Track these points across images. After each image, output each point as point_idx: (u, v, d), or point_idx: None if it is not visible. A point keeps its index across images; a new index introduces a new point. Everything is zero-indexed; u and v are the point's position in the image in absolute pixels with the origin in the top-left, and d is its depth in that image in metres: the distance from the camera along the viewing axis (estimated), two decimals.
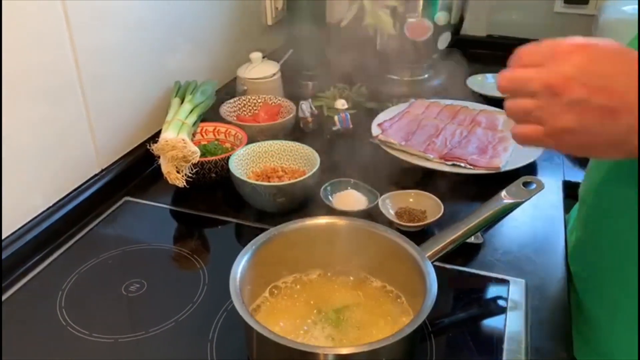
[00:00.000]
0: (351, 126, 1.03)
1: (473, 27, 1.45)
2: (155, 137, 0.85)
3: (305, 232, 0.63)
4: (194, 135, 0.87)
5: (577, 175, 0.93)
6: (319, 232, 0.63)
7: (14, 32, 0.67)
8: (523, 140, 0.51)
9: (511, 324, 0.62)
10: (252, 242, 0.60)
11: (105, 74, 0.84)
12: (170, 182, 0.78)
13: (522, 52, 0.50)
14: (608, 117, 0.45)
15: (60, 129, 0.77)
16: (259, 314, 0.60)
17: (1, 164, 0.66)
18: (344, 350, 0.50)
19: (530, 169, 0.92)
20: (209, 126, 0.95)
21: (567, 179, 0.91)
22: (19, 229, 0.73)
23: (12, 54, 0.67)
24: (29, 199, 0.74)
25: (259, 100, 1.06)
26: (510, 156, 0.93)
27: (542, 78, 0.47)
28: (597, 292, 0.68)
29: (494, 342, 0.60)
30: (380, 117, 1.06)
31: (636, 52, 0.46)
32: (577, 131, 0.47)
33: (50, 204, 0.78)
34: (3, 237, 0.71)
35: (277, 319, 0.59)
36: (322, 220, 0.64)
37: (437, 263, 0.60)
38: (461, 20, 1.22)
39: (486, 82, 1.25)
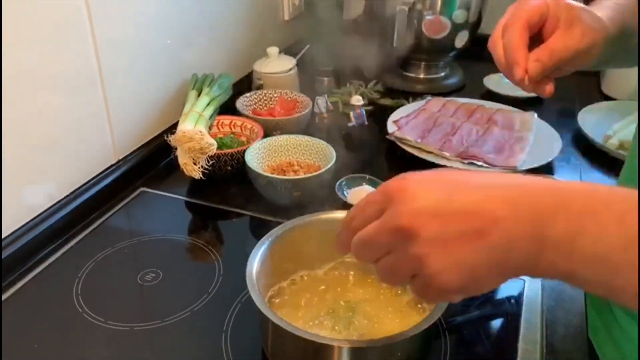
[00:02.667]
0: (367, 123, 1.03)
1: (491, 26, 1.44)
2: (172, 129, 0.85)
3: (322, 225, 0.63)
4: (210, 128, 0.88)
5: (594, 177, 0.93)
6: (335, 226, 0.62)
7: (37, 23, 0.68)
8: (427, 298, 0.46)
9: (526, 323, 0.62)
10: (268, 234, 0.60)
11: (125, 66, 0.84)
12: (187, 173, 0.79)
13: (353, 214, 0.44)
14: (476, 241, 0.37)
15: (79, 118, 0.78)
16: (273, 306, 0.60)
17: (1, 158, 0.66)
18: (359, 344, 0.50)
19: (547, 169, 0.91)
20: (226, 119, 0.95)
21: (584, 180, 0.91)
22: (36, 217, 0.73)
23: (34, 44, 0.68)
24: (47, 187, 0.75)
25: (275, 95, 1.06)
26: (527, 156, 0.92)
27: (388, 225, 0.39)
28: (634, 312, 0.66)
29: (509, 341, 0.59)
30: (396, 114, 1.06)
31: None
32: (452, 270, 0.38)
33: (68, 193, 0.78)
34: (20, 226, 0.71)
35: (291, 311, 0.59)
36: (339, 214, 0.64)
37: None
38: (479, 19, 1.21)
39: (503, 82, 1.24)
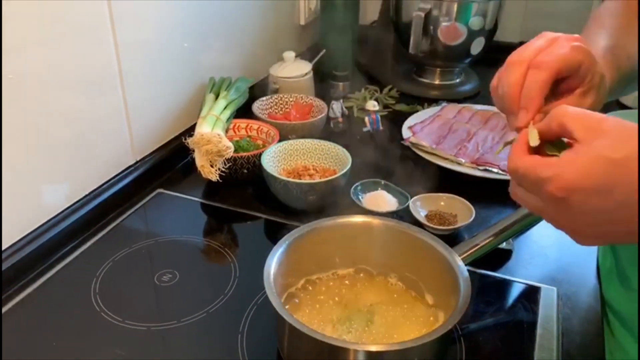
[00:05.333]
0: (381, 128, 1.03)
1: (507, 33, 1.44)
2: (189, 131, 0.86)
3: (339, 229, 0.63)
4: (227, 131, 0.88)
5: None
6: (352, 230, 0.64)
7: (61, 26, 0.69)
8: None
9: (542, 331, 0.61)
10: (286, 236, 0.60)
11: (144, 69, 0.85)
12: (204, 175, 0.80)
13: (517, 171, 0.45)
14: (628, 236, 0.42)
15: (98, 120, 0.79)
16: (289, 309, 0.60)
17: (1, 160, 0.68)
18: (375, 348, 0.50)
19: None
20: (242, 123, 0.96)
21: None
22: (55, 217, 0.74)
23: (56, 45, 0.69)
24: (65, 187, 0.76)
25: (291, 99, 1.06)
26: None
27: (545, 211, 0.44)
28: (631, 328, 0.66)
29: (525, 349, 0.59)
30: (411, 120, 1.06)
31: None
32: (590, 237, 0.44)
33: (86, 193, 0.79)
34: (38, 225, 0.72)
35: (306, 314, 0.60)
36: (356, 218, 0.64)
37: (467, 267, 0.60)
38: (495, 25, 1.21)
39: None
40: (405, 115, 1.08)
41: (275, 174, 0.80)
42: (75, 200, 0.77)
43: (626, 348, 0.65)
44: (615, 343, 0.67)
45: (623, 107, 1.19)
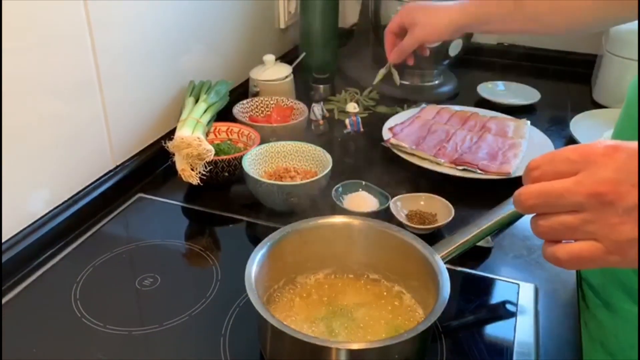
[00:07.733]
0: (362, 130, 1.04)
1: (484, 35, 1.46)
2: (169, 135, 0.86)
3: (320, 230, 0.64)
4: (207, 134, 0.88)
5: None
6: (333, 230, 0.64)
7: (38, 31, 0.69)
8: (577, 261, 0.42)
9: (521, 327, 0.62)
10: (267, 238, 0.61)
11: (123, 73, 0.85)
12: (184, 179, 0.79)
13: (539, 163, 0.43)
14: None
15: (77, 125, 0.78)
16: (270, 310, 0.60)
17: (1, 162, 0.67)
18: (356, 346, 0.50)
19: None
20: (223, 126, 0.96)
21: None
22: (35, 222, 0.74)
23: (33, 50, 0.69)
24: (45, 193, 0.75)
25: (272, 102, 1.07)
26: (520, 162, 0.93)
27: (585, 187, 0.40)
28: (604, 297, 0.69)
29: (505, 345, 0.60)
30: (391, 122, 1.07)
31: None
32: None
33: (66, 199, 0.79)
34: (18, 231, 0.72)
35: (288, 315, 0.60)
36: (337, 219, 0.65)
37: (447, 265, 0.61)
38: None
39: (496, 90, 1.26)
40: (386, 117, 1.09)
41: (257, 177, 0.80)
42: (55, 206, 0.77)
43: (598, 316, 0.68)
44: (589, 314, 0.69)
45: (598, 106, 1.22)
